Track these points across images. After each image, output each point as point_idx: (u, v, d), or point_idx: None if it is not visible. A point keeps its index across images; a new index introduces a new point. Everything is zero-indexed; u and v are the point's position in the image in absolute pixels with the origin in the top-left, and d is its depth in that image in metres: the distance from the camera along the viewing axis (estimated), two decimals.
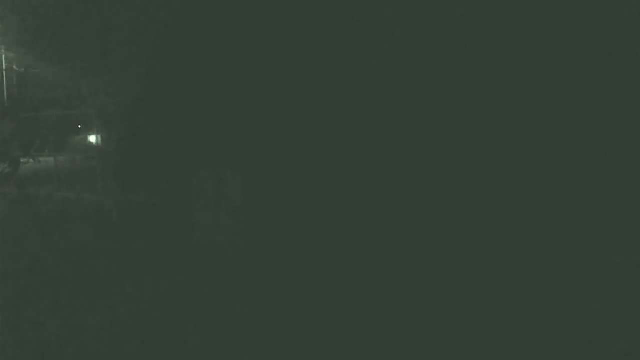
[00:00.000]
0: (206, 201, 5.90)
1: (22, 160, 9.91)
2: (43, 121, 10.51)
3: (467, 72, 5.15)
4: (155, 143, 6.93)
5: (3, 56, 10.00)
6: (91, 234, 6.52)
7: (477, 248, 4.80)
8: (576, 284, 4.28)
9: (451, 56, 5.21)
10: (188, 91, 6.54)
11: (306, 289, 4.50)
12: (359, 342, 3.53)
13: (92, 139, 10.06)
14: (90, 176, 8.72)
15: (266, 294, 4.44)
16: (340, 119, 5.62)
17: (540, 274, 4.44)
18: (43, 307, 4.22)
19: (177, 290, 4.59)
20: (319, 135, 5.70)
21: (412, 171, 5.32)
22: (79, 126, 10.32)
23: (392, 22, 5.39)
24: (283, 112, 5.89)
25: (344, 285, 4.51)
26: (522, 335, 3.59)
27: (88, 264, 5.36)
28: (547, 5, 4.88)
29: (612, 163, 4.67)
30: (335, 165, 5.58)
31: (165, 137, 6.78)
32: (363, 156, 5.51)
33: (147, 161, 7.07)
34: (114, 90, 7.86)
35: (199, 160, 6.26)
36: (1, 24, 9.11)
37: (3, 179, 9.48)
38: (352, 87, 5.58)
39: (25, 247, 6.12)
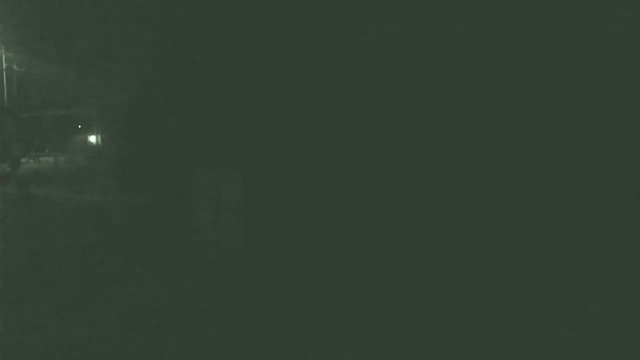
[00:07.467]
0: (206, 201, 5.90)
1: (22, 160, 9.91)
2: (43, 121, 10.52)
3: (467, 72, 5.15)
4: (156, 143, 6.93)
5: (3, 56, 10.01)
6: (91, 234, 6.52)
7: (476, 248, 4.80)
8: (576, 284, 4.28)
9: (451, 56, 5.21)
10: (188, 91, 6.55)
11: (306, 289, 4.50)
12: (358, 341, 3.54)
13: (92, 139, 10.08)
14: (90, 176, 8.73)
15: (266, 293, 4.44)
16: (339, 119, 5.62)
17: (540, 274, 4.44)
18: (42, 307, 4.22)
19: (177, 289, 4.59)
20: (319, 136, 5.70)
21: (412, 171, 5.32)
22: (79, 126, 10.34)
23: (391, 22, 5.39)
24: (283, 112, 5.89)
25: (344, 285, 4.51)
26: (522, 335, 3.60)
27: (88, 264, 5.36)
28: (547, 5, 4.88)
29: (612, 163, 4.67)
30: (335, 164, 5.59)
31: (166, 137, 6.78)
32: (363, 156, 5.51)
33: (147, 161, 7.07)
34: (114, 90, 7.87)
35: (199, 160, 6.27)
36: (1, 24, 9.13)
37: (3, 179, 9.49)
38: (351, 87, 5.58)
39: (25, 247, 6.12)
